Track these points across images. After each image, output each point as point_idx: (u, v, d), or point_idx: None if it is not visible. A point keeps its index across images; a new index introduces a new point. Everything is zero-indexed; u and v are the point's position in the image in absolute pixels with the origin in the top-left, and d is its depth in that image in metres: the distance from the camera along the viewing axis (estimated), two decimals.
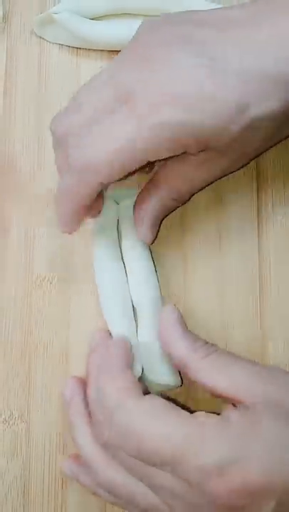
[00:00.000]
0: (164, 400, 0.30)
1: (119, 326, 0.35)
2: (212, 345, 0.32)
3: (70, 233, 0.35)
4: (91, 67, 0.41)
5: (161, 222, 0.36)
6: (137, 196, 0.36)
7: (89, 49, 0.41)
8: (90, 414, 0.33)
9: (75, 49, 0.42)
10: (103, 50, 0.41)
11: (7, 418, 0.37)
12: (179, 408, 0.30)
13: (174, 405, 0.30)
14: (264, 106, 0.29)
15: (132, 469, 0.30)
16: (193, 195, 0.36)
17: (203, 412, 0.30)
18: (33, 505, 0.36)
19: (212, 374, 0.30)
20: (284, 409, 0.29)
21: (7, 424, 0.37)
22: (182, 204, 0.36)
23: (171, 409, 0.30)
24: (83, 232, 0.39)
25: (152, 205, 0.35)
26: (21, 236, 0.39)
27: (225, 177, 0.36)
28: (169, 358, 0.34)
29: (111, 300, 0.36)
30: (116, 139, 0.30)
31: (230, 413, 0.29)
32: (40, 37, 0.42)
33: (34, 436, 0.37)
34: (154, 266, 0.37)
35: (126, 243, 0.37)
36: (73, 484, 0.36)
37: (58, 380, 0.37)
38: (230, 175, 0.35)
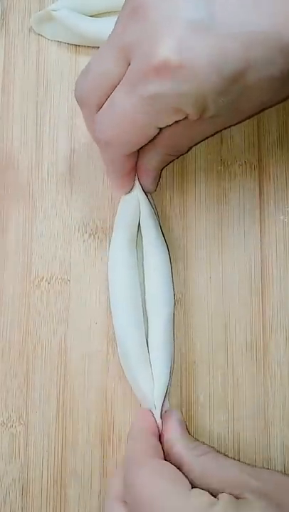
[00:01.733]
0: (174, 468, 0.31)
1: (130, 339, 0.35)
2: (206, 446, 0.33)
3: (125, 193, 0.36)
4: None
5: (160, 172, 0.37)
6: (139, 152, 0.36)
7: (87, 46, 0.41)
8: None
9: (74, 46, 0.42)
10: None
11: (5, 420, 0.37)
12: (183, 478, 0.30)
13: (181, 475, 0.30)
14: (263, 71, 0.28)
15: None
16: (191, 147, 0.37)
17: (200, 490, 0.29)
18: (32, 508, 0.36)
19: (205, 473, 0.31)
20: (273, 501, 0.29)
21: (5, 426, 0.37)
22: (181, 155, 0.37)
23: (175, 476, 0.30)
24: (81, 232, 0.39)
25: (152, 158, 0.35)
26: (19, 235, 0.39)
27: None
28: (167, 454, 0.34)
29: (122, 310, 0.36)
30: (119, 113, 0.30)
31: (222, 495, 0.29)
32: (39, 34, 0.42)
33: (32, 438, 0.37)
34: (171, 269, 0.37)
35: (147, 248, 0.36)
36: (72, 486, 0.36)
37: (56, 380, 0.37)
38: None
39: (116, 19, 0.31)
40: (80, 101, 0.33)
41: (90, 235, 0.39)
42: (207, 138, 0.36)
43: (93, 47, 0.41)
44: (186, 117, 0.30)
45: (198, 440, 0.34)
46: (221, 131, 0.35)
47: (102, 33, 0.40)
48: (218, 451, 0.33)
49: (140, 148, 0.35)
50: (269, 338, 0.37)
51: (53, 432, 0.37)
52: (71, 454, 0.36)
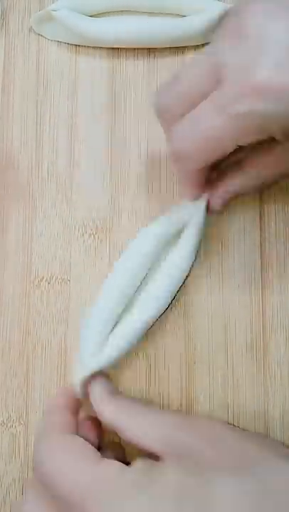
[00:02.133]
0: (83, 440, 0.30)
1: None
2: (137, 402, 0.32)
3: (194, 200, 0.36)
4: (89, 64, 0.41)
5: (232, 199, 0.36)
6: (217, 172, 0.36)
7: (88, 46, 0.41)
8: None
9: (74, 46, 0.41)
10: (102, 48, 0.41)
11: (5, 420, 0.37)
12: (92, 450, 0.30)
13: (90, 447, 0.30)
14: None
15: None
16: (276, 182, 0.36)
17: (110, 460, 0.29)
18: None
19: (132, 434, 0.30)
20: (193, 459, 0.28)
21: (5, 426, 0.37)
22: (261, 190, 0.38)
23: (83, 449, 0.30)
24: (81, 232, 0.39)
25: (233, 181, 0.35)
26: (19, 235, 0.39)
27: None
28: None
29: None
30: (204, 129, 0.30)
31: (137, 460, 0.28)
32: (39, 34, 0.42)
33: (32, 438, 0.36)
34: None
35: (175, 258, 0.36)
36: None
37: (56, 380, 0.37)
38: None
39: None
40: (162, 110, 0.33)
41: (90, 235, 0.39)
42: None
43: (93, 47, 0.41)
44: (274, 141, 0.31)
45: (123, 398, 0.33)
46: None
47: (102, 33, 0.40)
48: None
49: (227, 169, 0.35)
50: (269, 338, 0.37)
51: None
52: None
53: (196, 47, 0.41)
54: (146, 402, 0.34)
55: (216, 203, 0.36)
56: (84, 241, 0.39)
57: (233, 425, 0.31)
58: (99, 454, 0.29)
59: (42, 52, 0.41)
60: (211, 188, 0.36)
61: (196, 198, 0.36)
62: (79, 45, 0.41)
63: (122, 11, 0.41)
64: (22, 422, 0.37)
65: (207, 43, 0.41)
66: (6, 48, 0.41)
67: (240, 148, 0.31)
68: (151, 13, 0.41)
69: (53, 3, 0.41)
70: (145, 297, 0.35)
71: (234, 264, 0.38)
